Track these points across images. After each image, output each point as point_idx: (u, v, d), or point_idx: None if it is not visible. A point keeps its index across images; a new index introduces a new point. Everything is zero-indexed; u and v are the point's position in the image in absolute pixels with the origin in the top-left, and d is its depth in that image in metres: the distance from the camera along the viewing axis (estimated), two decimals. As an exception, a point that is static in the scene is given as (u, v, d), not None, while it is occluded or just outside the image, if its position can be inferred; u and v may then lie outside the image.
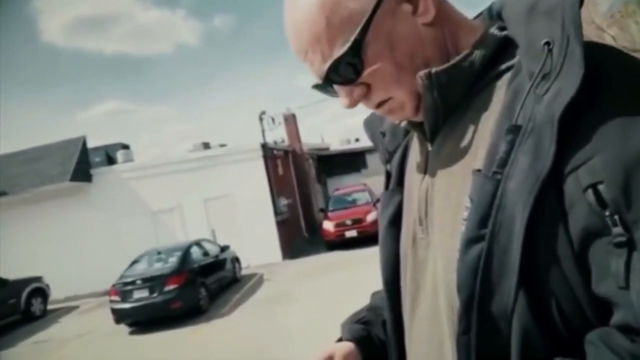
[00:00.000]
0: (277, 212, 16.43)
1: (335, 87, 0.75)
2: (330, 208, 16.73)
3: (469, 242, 0.62)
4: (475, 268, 0.61)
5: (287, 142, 20.64)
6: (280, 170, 18.40)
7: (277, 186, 17.04)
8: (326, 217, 16.13)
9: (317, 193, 23.40)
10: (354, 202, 16.69)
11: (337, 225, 15.28)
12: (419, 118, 0.77)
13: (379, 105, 0.76)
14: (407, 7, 0.70)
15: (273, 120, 19.65)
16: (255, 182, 16.07)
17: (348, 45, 0.68)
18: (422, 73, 0.70)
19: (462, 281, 0.63)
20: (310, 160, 23.11)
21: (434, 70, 0.70)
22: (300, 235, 19.46)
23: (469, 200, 0.64)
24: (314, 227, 19.94)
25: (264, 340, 7.77)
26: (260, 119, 19.26)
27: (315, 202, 21.98)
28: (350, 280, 9.58)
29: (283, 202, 17.39)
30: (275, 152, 18.16)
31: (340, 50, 0.69)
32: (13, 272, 13.61)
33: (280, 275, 13.29)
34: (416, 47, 0.71)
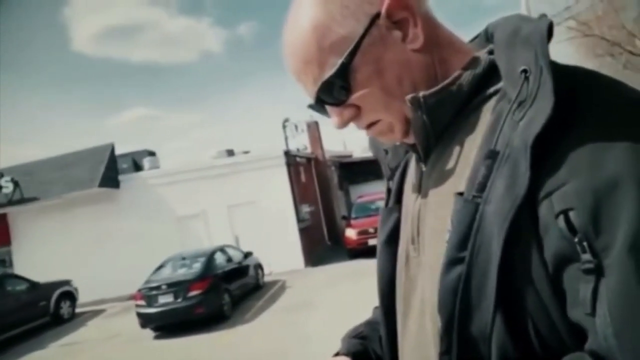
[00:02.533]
0: (299, 219, 16.48)
1: (327, 107, 0.78)
2: (353, 215, 16.68)
3: (449, 263, 0.64)
4: (455, 289, 0.62)
5: (309, 150, 20.72)
6: (303, 178, 18.46)
7: (299, 193, 17.12)
8: (349, 225, 16.08)
9: (339, 200, 23.38)
10: (377, 210, 16.48)
11: (359, 233, 15.23)
12: (410, 140, 0.79)
13: (369, 126, 0.78)
14: (397, 34, 0.72)
15: (296, 127, 19.81)
16: (278, 189, 16.16)
17: (335, 68, 0.71)
18: (410, 97, 0.72)
19: (443, 302, 0.64)
20: (333, 168, 23.12)
21: (421, 94, 0.72)
22: (323, 243, 19.47)
23: (450, 222, 0.66)
24: (337, 235, 19.90)
25: (286, 347, 7.82)
26: (284, 127, 19.44)
27: (337, 209, 21.96)
28: (372, 289, 9.47)
29: (305, 209, 17.43)
30: (298, 159, 18.26)
31: (328, 73, 0.72)
32: (43, 276, 13.95)
33: (302, 283, 13.32)
34: (405, 72, 0.72)
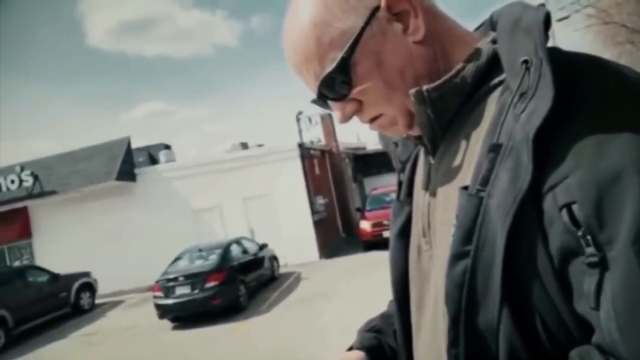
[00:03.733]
0: (314, 212, 16.54)
1: (330, 102, 0.77)
2: (368, 208, 16.66)
3: (455, 257, 0.63)
4: (461, 283, 0.62)
5: (323, 142, 20.72)
6: (317, 170, 18.49)
7: (314, 185, 17.16)
8: (363, 217, 16.09)
9: (353, 192, 23.39)
10: (391, 201, 16.30)
11: (374, 225, 15.23)
12: (414, 132, 0.78)
13: (372, 120, 0.77)
14: (397, 27, 0.71)
15: (310, 120, 19.75)
16: (292, 182, 16.23)
17: (336, 63, 0.70)
18: (413, 91, 0.70)
19: (449, 295, 0.64)
20: (347, 160, 23.12)
21: (424, 87, 0.70)
22: (337, 235, 19.50)
23: (455, 217, 0.65)
24: (351, 227, 19.93)
25: (301, 338, 7.90)
26: (297, 119, 19.42)
27: (351, 201, 21.97)
28: (386, 281, 9.50)
29: (320, 201, 17.47)
30: (312, 151, 18.27)
31: (329, 68, 0.71)
32: (64, 267, 14.23)
33: (317, 274, 13.38)
34: (406, 64, 0.71)
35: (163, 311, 10.57)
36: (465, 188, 0.65)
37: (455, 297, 0.63)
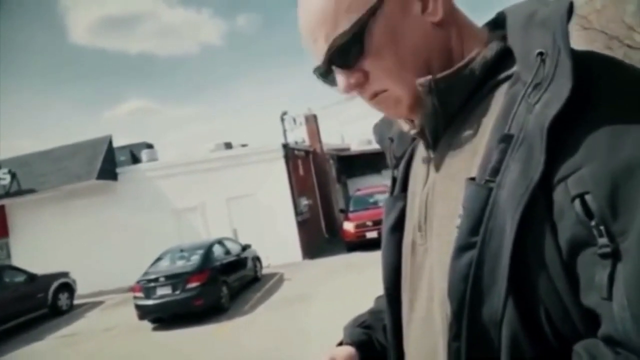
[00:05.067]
0: (297, 212, 16.52)
1: (334, 69, 0.75)
2: (351, 209, 16.72)
3: (460, 249, 0.63)
4: (465, 275, 0.62)
5: (308, 143, 20.72)
6: (301, 171, 18.49)
7: (297, 186, 17.14)
8: (347, 218, 16.14)
9: (337, 193, 23.44)
10: (375, 203, 16.60)
11: (357, 226, 15.28)
12: (412, 117, 0.78)
13: (374, 96, 0.76)
14: (417, 5, 0.71)
15: (294, 120, 19.77)
16: (276, 182, 16.19)
17: (351, 26, 0.69)
18: (421, 80, 0.71)
19: (453, 288, 0.63)
20: (331, 161, 23.16)
21: (433, 77, 0.71)
22: (321, 236, 19.51)
23: (462, 208, 0.65)
24: (334, 228, 19.97)
25: (284, 339, 7.86)
26: (282, 120, 19.41)
27: (335, 202, 22.01)
28: (369, 282, 9.56)
29: (304, 202, 17.47)
30: (296, 152, 18.25)
31: (342, 29, 0.70)
32: (41, 268, 13.96)
33: (300, 275, 13.37)
34: (420, 45, 0.71)
35: (143, 312, 10.48)
36: (472, 179, 0.65)
37: (459, 290, 0.62)
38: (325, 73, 0.78)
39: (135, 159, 18.58)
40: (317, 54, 0.75)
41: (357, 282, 10.41)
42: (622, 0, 18.20)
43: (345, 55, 0.72)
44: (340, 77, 0.75)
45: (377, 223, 14.94)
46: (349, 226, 15.57)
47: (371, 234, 14.95)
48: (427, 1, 0.71)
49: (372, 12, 0.69)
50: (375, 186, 19.20)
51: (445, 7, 0.72)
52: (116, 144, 17.83)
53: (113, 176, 16.82)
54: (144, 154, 18.39)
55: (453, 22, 0.74)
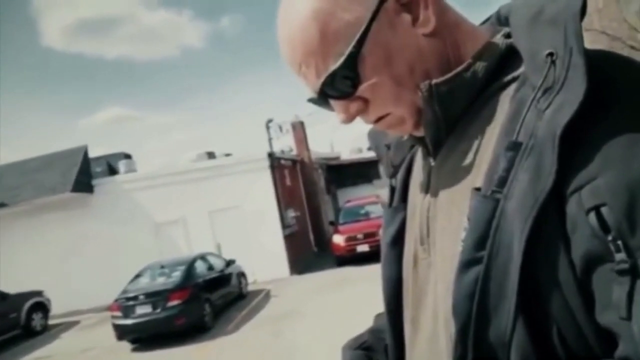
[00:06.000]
0: (284, 225, 16.61)
1: (331, 101, 0.75)
2: (341, 221, 16.77)
3: (466, 264, 0.61)
4: (471, 292, 0.60)
5: (295, 151, 20.83)
6: (288, 181, 18.59)
7: (284, 198, 17.23)
8: (336, 231, 16.20)
9: (326, 205, 23.52)
10: (366, 215, 16.69)
11: (348, 239, 15.32)
12: (420, 133, 0.76)
13: (378, 120, 0.75)
14: (406, 17, 0.70)
15: (280, 128, 19.80)
16: (261, 194, 16.27)
17: (343, 58, 0.68)
18: (422, 85, 0.70)
19: (458, 305, 0.62)
20: (320, 170, 23.24)
21: (434, 81, 0.69)
22: (309, 250, 19.57)
23: (467, 220, 0.64)
24: (323, 241, 20.05)
25: (271, 359, 7.94)
26: (267, 127, 19.45)
27: (324, 214, 22.11)
28: (361, 298, 9.62)
29: (291, 214, 17.56)
30: (282, 161, 18.35)
31: (334, 64, 0.69)
32: (13, 286, 13.90)
33: (287, 292, 13.43)
34: (416, 59, 0.70)
35: (122, 332, 10.48)
36: (478, 189, 0.64)
37: (465, 308, 0.62)
38: (320, 102, 0.78)
39: (113, 170, 18.60)
40: (308, 85, 0.75)
41: (348, 298, 10.46)
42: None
43: (340, 88, 0.71)
44: (339, 108, 0.75)
45: (368, 236, 15.03)
46: (339, 239, 15.62)
47: (362, 248, 14.99)
48: (417, 12, 0.70)
49: (363, 38, 0.68)
50: (367, 197, 19.26)
51: (437, 13, 0.70)
52: (92, 154, 17.88)
53: (89, 188, 16.81)
54: (122, 165, 18.38)
55: (448, 27, 0.72)
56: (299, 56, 0.72)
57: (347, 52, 0.68)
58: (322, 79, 0.71)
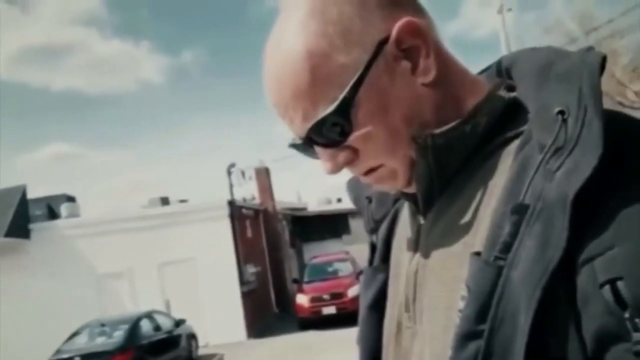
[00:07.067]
0: (243, 282, 16.44)
1: (317, 149, 0.74)
2: (306, 279, 16.71)
3: (465, 337, 0.60)
4: None
5: (258, 200, 20.85)
6: (249, 233, 18.55)
7: (244, 251, 17.11)
8: (300, 290, 16.08)
9: (290, 260, 23.45)
10: (334, 273, 16.67)
11: (312, 300, 15.23)
12: (412, 190, 0.76)
13: (368, 172, 0.75)
14: (405, 65, 0.70)
15: (243, 174, 19.91)
16: (219, 246, 16.17)
17: (335, 104, 0.67)
18: (418, 136, 0.70)
19: None
20: (284, 222, 23.27)
21: (430, 132, 0.69)
22: (269, 310, 19.45)
23: (465, 288, 0.63)
24: (286, 301, 19.90)
25: None
26: (229, 172, 19.49)
27: (288, 271, 22.01)
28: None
29: (251, 269, 17.42)
30: (244, 210, 18.36)
31: (325, 110, 0.68)
32: None
33: (244, 357, 13.19)
34: (413, 109, 0.70)
35: (52, 399, 10.16)
36: (478, 254, 0.63)
37: None
38: (304, 149, 0.78)
39: (53, 214, 18.39)
40: (292, 129, 0.74)
41: (310, 366, 10.33)
42: (613, 52, 19.03)
43: (328, 136, 0.70)
44: (325, 156, 0.74)
45: (335, 297, 14.96)
46: (302, 299, 15.51)
47: (328, 310, 14.90)
48: (417, 59, 0.70)
49: (358, 83, 0.67)
50: (335, 253, 19.28)
51: (438, 63, 0.71)
52: (31, 194, 17.69)
53: (25, 234, 16.52)
54: (64, 208, 18.19)
55: (448, 77, 0.72)
56: (286, 98, 0.71)
57: (340, 97, 0.67)
58: (310, 125, 0.70)
